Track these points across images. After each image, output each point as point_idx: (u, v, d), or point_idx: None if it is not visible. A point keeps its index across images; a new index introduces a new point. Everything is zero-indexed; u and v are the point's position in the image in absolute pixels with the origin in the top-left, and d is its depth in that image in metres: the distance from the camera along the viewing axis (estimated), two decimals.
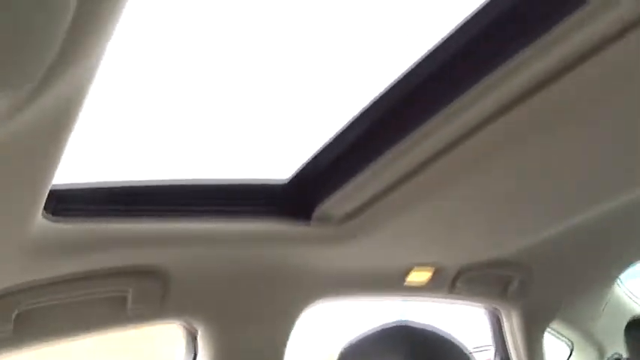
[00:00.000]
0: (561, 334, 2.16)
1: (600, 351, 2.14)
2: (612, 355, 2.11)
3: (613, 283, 2.00)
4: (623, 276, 2.05)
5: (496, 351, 1.90)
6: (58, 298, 0.81)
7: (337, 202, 0.94)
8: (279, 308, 1.09)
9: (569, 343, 2.19)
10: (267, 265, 1.00)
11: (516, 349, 1.81)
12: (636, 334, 1.78)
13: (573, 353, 2.22)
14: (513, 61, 0.66)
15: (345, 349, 0.72)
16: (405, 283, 1.31)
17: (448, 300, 1.54)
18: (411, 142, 0.81)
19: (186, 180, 0.86)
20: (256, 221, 0.91)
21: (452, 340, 0.72)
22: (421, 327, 0.74)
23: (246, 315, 1.04)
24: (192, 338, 1.05)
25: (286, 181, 0.98)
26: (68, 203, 0.71)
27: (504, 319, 1.78)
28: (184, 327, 1.06)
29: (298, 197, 0.96)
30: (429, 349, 0.70)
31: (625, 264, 1.91)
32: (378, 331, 0.73)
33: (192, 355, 1.05)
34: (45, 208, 0.63)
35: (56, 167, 0.54)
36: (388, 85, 0.82)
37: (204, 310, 1.01)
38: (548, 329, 2.08)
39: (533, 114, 0.77)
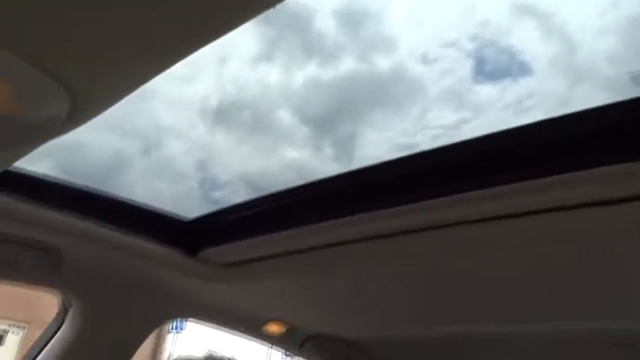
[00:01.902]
0: None
1: None
2: None
3: None
4: None
5: None
6: None
7: (223, 251, 1.11)
8: (144, 314, 1.27)
9: None
10: (144, 277, 1.17)
11: None
12: None
13: None
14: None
15: None
16: (262, 330, 1.53)
17: (300, 357, 1.76)
18: (302, 232, 0.98)
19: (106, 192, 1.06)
20: (149, 241, 1.09)
21: None
22: None
23: (115, 309, 1.22)
24: (65, 311, 1.22)
25: (190, 219, 1.18)
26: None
27: None
28: (62, 299, 1.23)
29: (194, 235, 1.14)
30: None
31: None
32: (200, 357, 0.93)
33: (59, 325, 1.21)
34: None
35: None
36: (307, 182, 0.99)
37: (82, 292, 1.18)
38: None
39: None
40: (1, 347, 8.97)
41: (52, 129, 0.55)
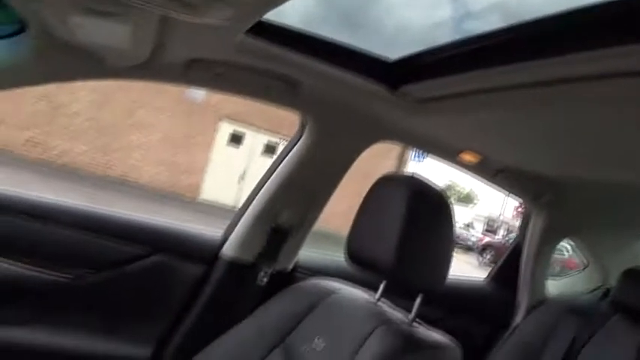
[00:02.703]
0: (578, 251, 2.51)
1: (604, 280, 2.47)
2: (603, 286, 2.45)
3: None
4: None
5: (516, 240, 2.28)
6: None
7: (423, 88, 1.23)
8: (357, 135, 1.53)
9: (585, 262, 2.55)
10: (356, 106, 1.40)
11: (530, 246, 2.16)
12: (629, 281, 1.94)
13: (584, 271, 2.58)
14: None
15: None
16: (457, 158, 1.71)
17: (492, 185, 1.92)
18: (501, 71, 0.99)
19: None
20: (359, 76, 1.24)
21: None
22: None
23: (337, 129, 1.49)
24: (302, 126, 1.55)
25: (394, 59, 1.35)
26: None
27: (533, 218, 2.15)
28: (301, 119, 1.56)
29: (396, 73, 1.27)
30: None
31: None
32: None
33: (298, 138, 1.56)
34: None
35: None
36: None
37: (314, 113, 1.46)
38: (566, 241, 2.41)
39: None
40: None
41: None
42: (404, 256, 1.05)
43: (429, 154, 1.72)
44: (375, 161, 7.73)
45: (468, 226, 27.16)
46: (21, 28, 1.10)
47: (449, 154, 1.69)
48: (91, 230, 1.40)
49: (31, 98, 9.36)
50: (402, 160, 12.21)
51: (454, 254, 1.18)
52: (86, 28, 0.99)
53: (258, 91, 1.37)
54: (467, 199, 47.02)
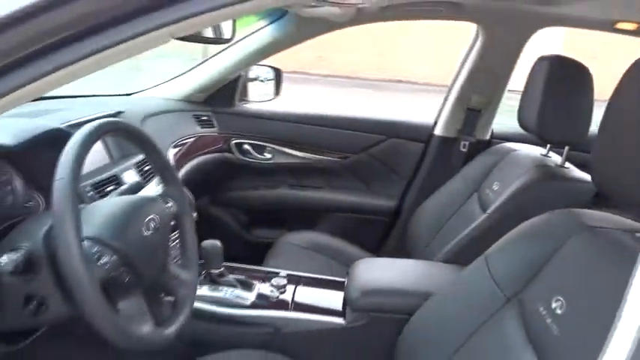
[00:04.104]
0: None
1: None
2: None
3: None
4: None
5: None
6: None
7: None
8: (525, 26, 1.89)
9: None
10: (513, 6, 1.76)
11: None
12: None
13: None
14: None
15: None
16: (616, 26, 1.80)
17: None
18: None
19: None
20: None
21: None
22: None
23: (508, 22, 1.87)
24: (477, 30, 1.99)
25: None
26: None
27: None
28: (477, 30, 1.99)
29: None
30: None
31: None
32: None
33: (476, 39, 1.99)
34: None
35: None
36: None
37: (485, 23, 1.90)
38: None
39: None
40: None
41: None
42: (548, 115, 1.47)
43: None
44: None
45: None
46: (284, 13, 1.86)
47: (606, 25, 1.82)
48: (345, 128, 2.17)
49: None
50: None
51: None
52: None
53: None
54: None
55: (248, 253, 1.71)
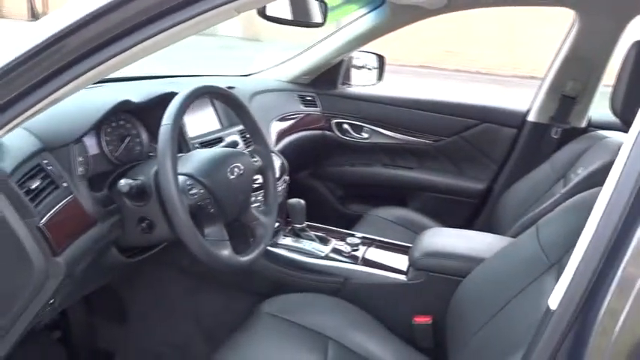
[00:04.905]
0: None
1: None
2: None
3: None
4: None
5: None
6: None
7: None
8: (622, 14, 1.83)
9: None
10: None
11: None
12: None
13: None
14: None
15: None
16: None
17: None
18: None
19: None
20: None
21: None
22: None
23: (605, 10, 1.84)
24: (574, 17, 1.95)
25: None
26: None
27: None
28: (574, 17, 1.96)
29: None
30: None
31: None
32: None
33: (572, 26, 1.96)
34: None
35: None
36: None
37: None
38: None
39: None
40: None
41: None
42: (632, 100, 1.45)
43: None
44: None
45: None
46: (382, 1, 2.02)
47: None
48: (439, 112, 2.27)
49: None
50: None
51: None
52: None
53: None
54: None
55: (340, 225, 1.88)
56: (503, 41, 10.91)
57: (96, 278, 1.33)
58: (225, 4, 0.77)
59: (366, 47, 2.28)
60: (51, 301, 1.05)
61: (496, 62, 11.10)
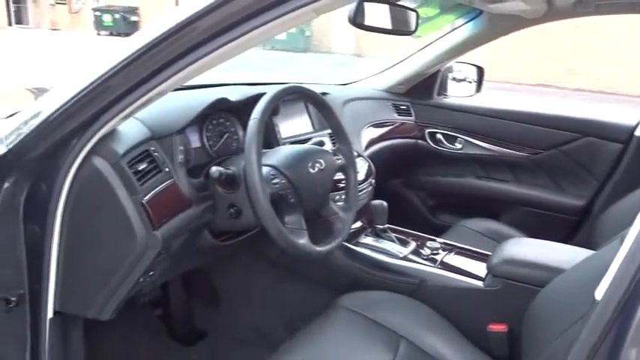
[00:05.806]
0: None
1: None
2: None
3: None
4: None
5: None
6: None
7: None
8: None
9: None
10: None
11: None
12: None
13: None
14: None
15: None
16: None
17: None
18: None
19: None
20: None
21: None
22: None
23: None
24: None
25: None
26: None
27: None
28: None
29: None
30: None
31: None
32: None
33: None
34: None
35: None
36: None
37: None
38: None
39: None
40: None
41: None
42: None
43: None
44: None
45: None
46: (479, 12, 2.03)
47: None
48: (536, 124, 2.20)
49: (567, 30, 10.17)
50: None
51: None
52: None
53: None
54: None
55: (429, 234, 1.86)
56: (628, 59, 10.09)
57: (190, 257, 1.48)
58: (306, 5, 0.86)
59: (473, 60, 2.29)
60: (151, 273, 1.20)
61: (623, 81, 10.28)
